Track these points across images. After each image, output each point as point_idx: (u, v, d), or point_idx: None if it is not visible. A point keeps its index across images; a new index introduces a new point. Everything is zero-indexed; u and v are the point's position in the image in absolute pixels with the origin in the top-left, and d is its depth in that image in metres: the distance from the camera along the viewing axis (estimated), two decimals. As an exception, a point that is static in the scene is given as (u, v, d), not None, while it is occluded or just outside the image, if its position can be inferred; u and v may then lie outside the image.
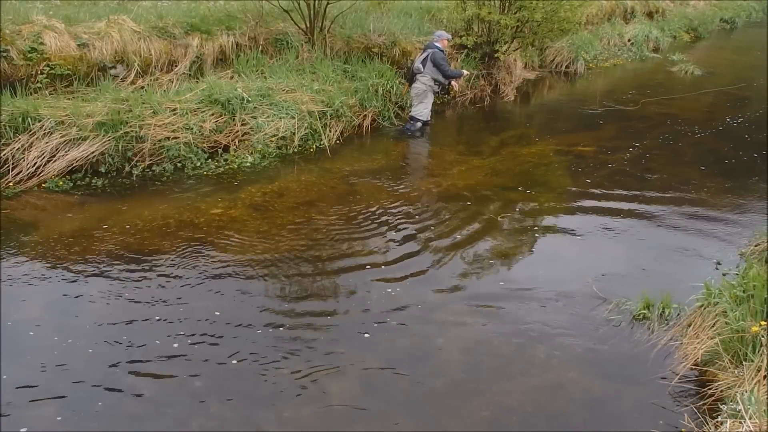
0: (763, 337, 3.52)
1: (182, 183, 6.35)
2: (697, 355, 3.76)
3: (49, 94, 6.90)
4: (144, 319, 4.20)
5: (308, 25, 8.85)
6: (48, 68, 6.98)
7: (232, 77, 8.06)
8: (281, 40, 8.75)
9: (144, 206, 5.78)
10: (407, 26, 9.84)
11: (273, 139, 7.16)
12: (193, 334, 4.06)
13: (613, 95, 10.15)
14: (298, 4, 8.69)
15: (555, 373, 3.82)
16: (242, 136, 7.11)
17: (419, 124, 8.27)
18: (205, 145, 6.86)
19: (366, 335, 4.13)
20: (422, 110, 8.27)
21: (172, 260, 4.89)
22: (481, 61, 9.96)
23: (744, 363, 3.51)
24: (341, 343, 4.03)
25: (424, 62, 8.22)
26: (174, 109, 6.87)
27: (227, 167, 6.72)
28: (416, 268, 4.94)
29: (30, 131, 6.23)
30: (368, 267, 4.93)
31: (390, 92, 8.64)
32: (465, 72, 8.91)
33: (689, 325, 4.06)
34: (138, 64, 7.66)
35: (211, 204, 5.87)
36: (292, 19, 8.79)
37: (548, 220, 5.90)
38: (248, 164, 6.80)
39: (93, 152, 6.31)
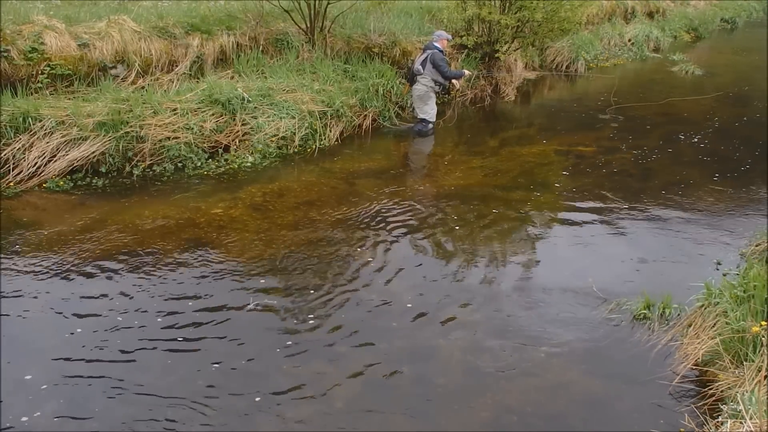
0: (763, 337, 3.51)
1: (183, 183, 6.35)
2: (697, 355, 3.76)
3: (50, 94, 6.91)
4: (145, 319, 4.20)
5: (308, 25, 8.86)
6: (48, 68, 6.99)
7: (232, 77, 8.07)
8: (281, 40, 8.76)
9: (144, 206, 5.79)
10: (407, 26, 9.84)
11: (273, 139, 7.16)
12: (193, 334, 4.06)
13: (614, 95, 10.14)
14: (299, 4, 8.70)
15: (555, 373, 3.82)
16: (243, 136, 7.11)
17: (431, 126, 8.31)
18: (205, 145, 6.86)
19: (366, 335, 4.12)
20: (429, 111, 8.31)
21: (173, 260, 4.90)
22: (482, 61, 9.97)
23: (744, 363, 3.51)
24: (341, 343, 4.03)
25: (423, 63, 8.22)
26: (174, 109, 6.87)
27: (228, 167, 6.73)
28: (416, 268, 4.94)
29: (30, 131, 6.24)
30: (369, 266, 4.93)
31: (390, 92, 8.64)
32: (466, 72, 8.89)
33: (689, 325, 4.06)
34: (138, 64, 7.67)
35: (211, 204, 5.88)
36: (293, 19, 8.79)
37: (548, 220, 5.90)
38: (249, 164, 6.80)
39: (93, 152, 6.32)
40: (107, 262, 4.84)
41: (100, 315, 4.22)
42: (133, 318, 4.21)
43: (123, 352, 3.88)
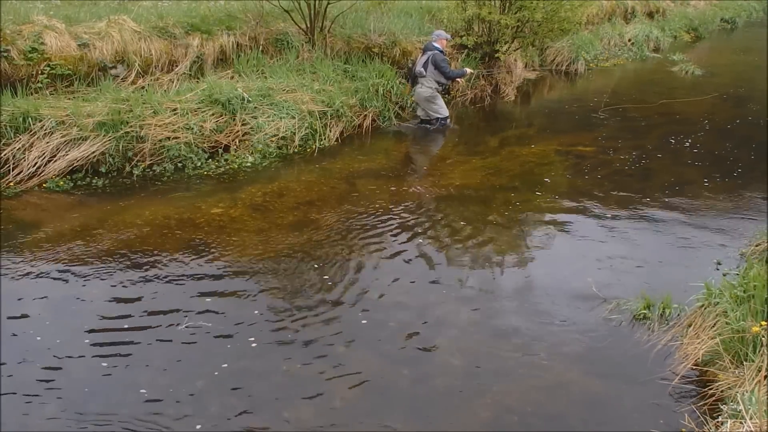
0: (763, 337, 3.51)
1: (183, 183, 6.35)
2: (697, 355, 3.76)
3: (50, 94, 6.90)
4: (144, 320, 4.19)
5: (308, 25, 8.86)
6: (48, 68, 6.99)
7: (232, 77, 8.07)
8: (281, 40, 8.76)
9: (144, 206, 5.79)
10: (407, 26, 9.84)
11: (273, 139, 7.16)
12: (192, 334, 4.06)
13: (613, 95, 10.15)
14: (299, 4, 8.70)
15: (555, 373, 3.82)
16: (243, 136, 7.11)
17: (448, 121, 8.43)
18: (205, 145, 6.86)
19: (366, 335, 4.12)
20: (440, 110, 8.38)
21: (173, 260, 4.90)
22: (482, 61, 9.97)
23: (744, 363, 3.51)
24: (341, 343, 4.03)
25: (425, 65, 8.24)
26: (174, 109, 6.87)
27: (228, 167, 6.73)
28: (416, 268, 4.94)
29: (30, 131, 6.24)
30: (368, 266, 4.93)
31: (390, 92, 8.64)
32: (467, 70, 8.90)
33: (689, 325, 4.06)
34: (138, 64, 7.66)
35: (211, 204, 5.88)
36: (293, 19, 8.79)
37: (548, 220, 5.89)
38: (249, 164, 6.81)
39: (93, 152, 6.31)
40: (106, 262, 4.84)
41: (99, 315, 4.23)
42: (131, 317, 4.21)
43: (120, 353, 3.89)
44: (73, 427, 3.31)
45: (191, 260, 4.91)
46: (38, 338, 3.98)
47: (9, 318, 4.15)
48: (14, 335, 3.99)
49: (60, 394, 3.52)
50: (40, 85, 6.90)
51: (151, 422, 3.34)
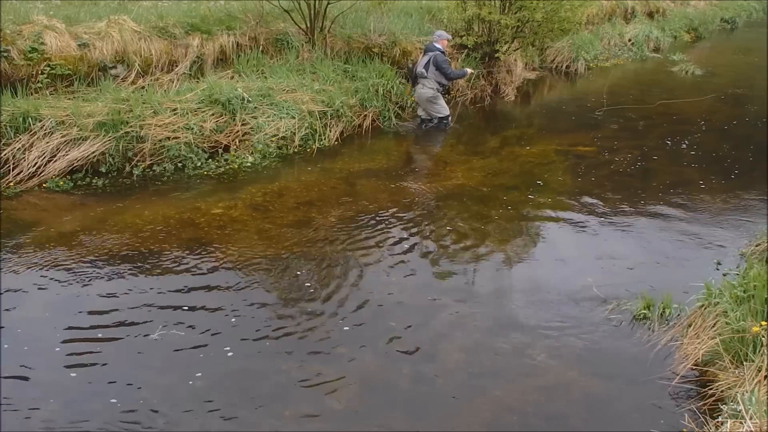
0: (763, 337, 3.52)
1: (183, 183, 6.36)
2: (697, 355, 3.76)
3: (50, 94, 6.90)
4: (145, 320, 4.20)
5: (308, 25, 8.86)
6: (48, 68, 6.99)
7: (232, 77, 8.07)
8: (281, 40, 8.76)
9: (144, 206, 5.79)
10: (407, 26, 9.84)
11: (273, 139, 7.16)
12: (192, 334, 4.06)
13: (613, 96, 10.14)
14: (299, 4, 8.70)
15: (555, 373, 3.82)
16: (243, 136, 7.12)
17: (450, 120, 8.47)
18: (205, 145, 6.86)
19: (366, 335, 4.12)
20: (442, 110, 8.40)
21: (173, 260, 4.90)
22: (482, 61, 9.96)
23: (744, 363, 3.51)
24: (341, 343, 4.03)
25: (426, 66, 8.24)
26: (174, 109, 6.87)
27: (228, 167, 6.73)
28: (416, 269, 4.94)
29: (30, 131, 6.24)
30: (368, 267, 4.93)
31: (390, 92, 8.64)
32: (468, 70, 8.90)
33: (689, 326, 4.06)
34: (138, 64, 7.66)
35: (211, 204, 5.88)
36: (293, 19, 8.79)
37: (548, 220, 5.90)
38: (249, 164, 6.81)
39: (93, 152, 6.32)
40: (106, 262, 4.84)
41: (99, 315, 4.23)
42: (131, 317, 4.21)
43: (120, 353, 3.89)
44: (46, 427, 3.32)
45: (191, 260, 4.90)
46: (32, 337, 3.98)
47: (8, 320, 4.15)
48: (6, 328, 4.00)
49: (42, 394, 3.53)
50: (40, 85, 6.90)
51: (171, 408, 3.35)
